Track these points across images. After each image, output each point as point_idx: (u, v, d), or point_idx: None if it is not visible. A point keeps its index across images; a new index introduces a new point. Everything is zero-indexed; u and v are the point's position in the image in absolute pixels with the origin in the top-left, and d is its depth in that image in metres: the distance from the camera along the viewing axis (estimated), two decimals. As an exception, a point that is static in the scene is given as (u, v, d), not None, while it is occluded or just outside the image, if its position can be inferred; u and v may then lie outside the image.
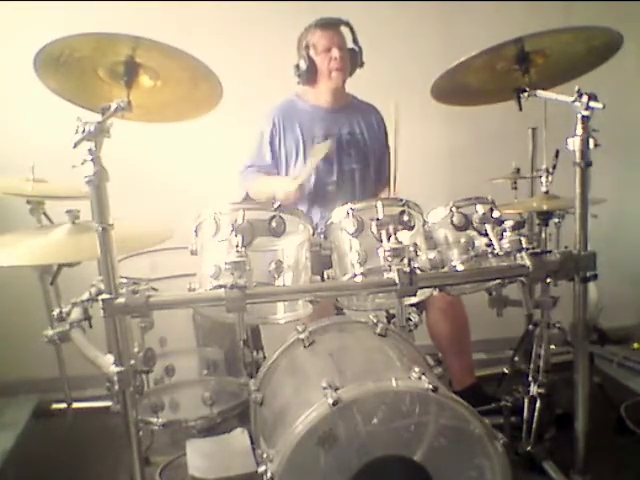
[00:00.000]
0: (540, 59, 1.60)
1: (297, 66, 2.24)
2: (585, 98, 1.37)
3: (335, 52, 2.18)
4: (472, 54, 1.52)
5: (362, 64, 2.28)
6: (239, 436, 1.82)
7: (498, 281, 1.66)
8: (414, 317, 1.71)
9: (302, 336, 1.54)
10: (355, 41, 2.25)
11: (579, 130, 1.41)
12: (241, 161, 2.32)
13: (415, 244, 1.49)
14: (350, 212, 1.50)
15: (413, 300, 1.53)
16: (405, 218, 1.48)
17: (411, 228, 1.49)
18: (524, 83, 1.59)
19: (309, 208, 2.25)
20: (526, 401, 1.85)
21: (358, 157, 2.31)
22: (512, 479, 1.27)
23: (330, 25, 2.20)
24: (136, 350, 1.43)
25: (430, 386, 1.23)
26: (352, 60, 2.25)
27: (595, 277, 1.47)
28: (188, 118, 1.66)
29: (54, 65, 1.35)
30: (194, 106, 1.59)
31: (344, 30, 2.24)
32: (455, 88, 1.72)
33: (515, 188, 2.48)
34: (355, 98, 2.39)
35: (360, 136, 2.32)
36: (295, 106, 2.33)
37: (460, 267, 1.53)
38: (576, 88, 1.40)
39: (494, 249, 1.47)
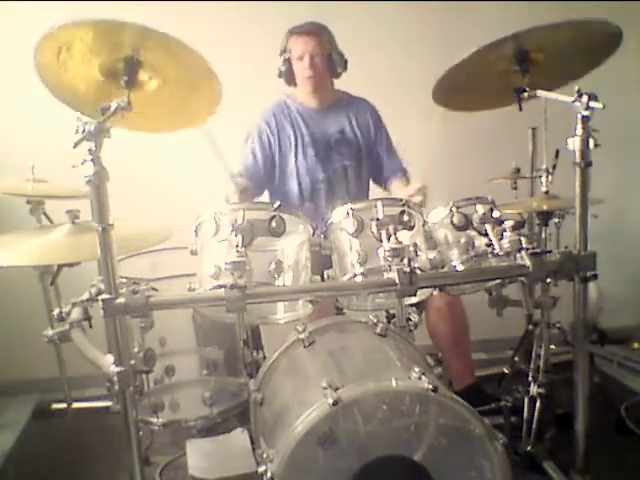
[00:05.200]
0: (539, 57, 1.60)
1: (279, 68, 2.27)
2: (585, 98, 1.37)
3: (306, 60, 2.19)
4: (471, 51, 1.52)
5: (345, 67, 2.26)
6: (239, 436, 1.82)
7: (498, 281, 1.66)
8: (414, 317, 1.71)
9: (302, 336, 1.54)
10: (334, 47, 2.23)
11: (579, 130, 1.41)
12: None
13: (415, 244, 1.49)
14: (350, 212, 1.49)
15: (413, 300, 1.53)
16: (405, 218, 1.48)
17: (411, 228, 1.49)
18: (524, 83, 1.59)
19: (301, 206, 2.26)
20: (526, 401, 1.86)
21: (350, 154, 2.32)
22: (512, 479, 1.27)
23: (304, 31, 2.19)
24: (136, 350, 1.43)
25: (430, 386, 1.23)
26: (331, 65, 2.23)
27: (595, 277, 1.47)
28: (184, 127, 1.65)
29: (54, 65, 1.35)
30: (191, 114, 1.58)
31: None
32: (456, 91, 1.70)
33: (515, 188, 2.49)
34: (346, 94, 2.39)
35: (351, 133, 2.33)
36: (286, 107, 2.35)
37: (460, 267, 1.53)
38: (576, 88, 1.40)
39: (494, 249, 1.47)
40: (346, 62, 2.27)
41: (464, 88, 1.70)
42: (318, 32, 2.20)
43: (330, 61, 2.23)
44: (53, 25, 1.28)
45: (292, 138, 2.29)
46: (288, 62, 2.25)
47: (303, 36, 2.19)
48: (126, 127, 1.34)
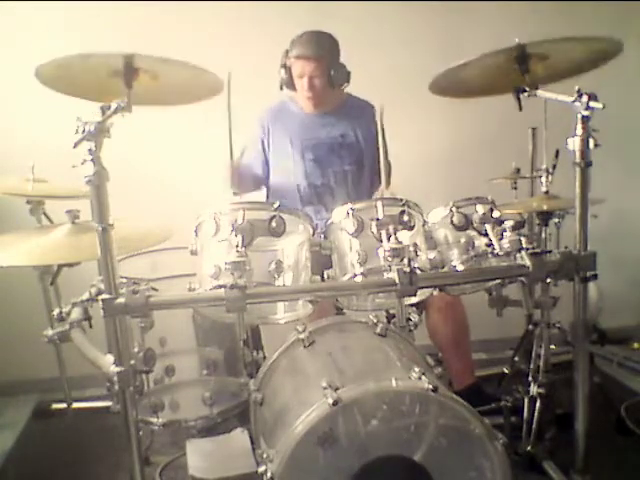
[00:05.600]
0: (539, 63, 1.60)
1: (280, 81, 2.26)
2: (585, 98, 1.37)
3: (305, 82, 2.18)
4: (471, 58, 1.52)
5: (348, 80, 2.24)
6: (239, 436, 1.82)
7: (498, 281, 1.66)
8: (414, 317, 1.71)
9: (302, 336, 1.55)
10: (335, 64, 2.20)
11: (579, 130, 1.41)
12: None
13: (415, 244, 1.49)
14: (350, 212, 1.49)
15: (413, 300, 1.53)
16: (405, 218, 1.48)
17: (411, 228, 1.49)
18: (524, 83, 1.59)
19: (302, 209, 2.25)
20: (526, 401, 1.86)
21: (351, 159, 2.31)
22: (512, 479, 1.27)
23: (302, 56, 2.17)
24: (136, 350, 1.43)
25: (430, 386, 1.23)
26: (331, 81, 2.21)
27: (595, 277, 1.47)
28: (192, 102, 1.64)
29: (56, 77, 1.36)
30: (197, 93, 1.58)
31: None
32: (454, 85, 1.70)
33: (515, 188, 2.48)
34: (350, 96, 2.38)
35: (353, 137, 2.32)
36: (286, 109, 2.35)
37: (460, 267, 1.53)
38: (576, 88, 1.40)
39: (494, 249, 1.47)
40: (349, 74, 2.24)
41: (462, 83, 1.69)
42: (317, 57, 2.16)
43: (330, 78, 2.20)
44: (37, 67, 1.29)
45: (289, 142, 2.29)
46: (289, 73, 2.22)
47: (302, 60, 2.17)
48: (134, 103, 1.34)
